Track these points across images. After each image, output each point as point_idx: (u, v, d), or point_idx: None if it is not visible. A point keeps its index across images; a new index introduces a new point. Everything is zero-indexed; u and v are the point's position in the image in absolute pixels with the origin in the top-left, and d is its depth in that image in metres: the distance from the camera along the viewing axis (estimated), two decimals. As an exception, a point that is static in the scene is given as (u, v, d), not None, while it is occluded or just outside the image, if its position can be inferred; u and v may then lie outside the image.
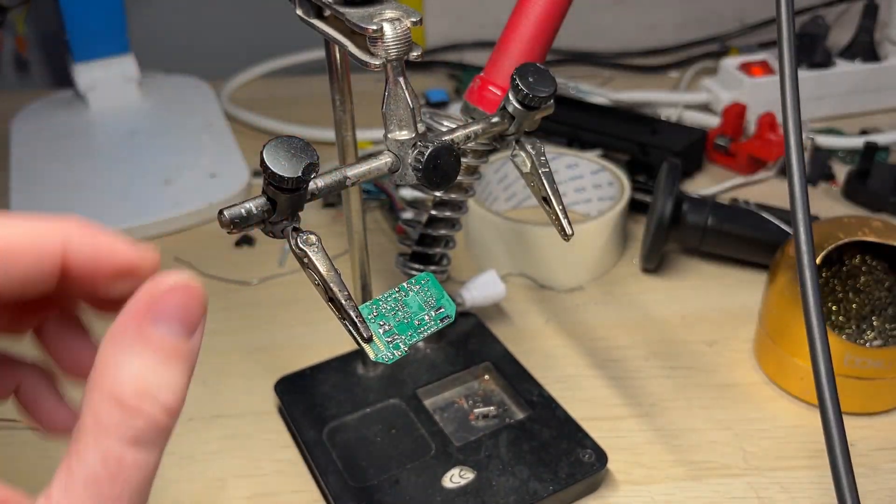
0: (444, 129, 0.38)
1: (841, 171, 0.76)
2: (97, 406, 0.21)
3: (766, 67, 0.84)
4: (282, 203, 0.31)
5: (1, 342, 0.27)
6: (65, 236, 0.23)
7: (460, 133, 0.37)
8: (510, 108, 0.38)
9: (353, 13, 0.34)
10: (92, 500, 0.21)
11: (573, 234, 0.39)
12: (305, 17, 0.37)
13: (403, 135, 0.35)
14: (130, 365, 0.22)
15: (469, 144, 0.40)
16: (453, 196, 0.50)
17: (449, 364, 0.53)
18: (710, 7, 0.99)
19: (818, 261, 0.51)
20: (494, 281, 0.56)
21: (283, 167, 0.29)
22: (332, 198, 0.71)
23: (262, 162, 0.29)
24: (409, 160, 0.35)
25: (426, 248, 0.52)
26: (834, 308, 0.53)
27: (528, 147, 0.39)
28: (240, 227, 0.30)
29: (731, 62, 0.85)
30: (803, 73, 0.83)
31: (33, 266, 0.23)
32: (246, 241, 0.69)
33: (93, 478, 0.21)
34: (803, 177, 0.36)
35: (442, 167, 0.35)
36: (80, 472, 0.21)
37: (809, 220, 0.36)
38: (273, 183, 0.30)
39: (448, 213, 0.50)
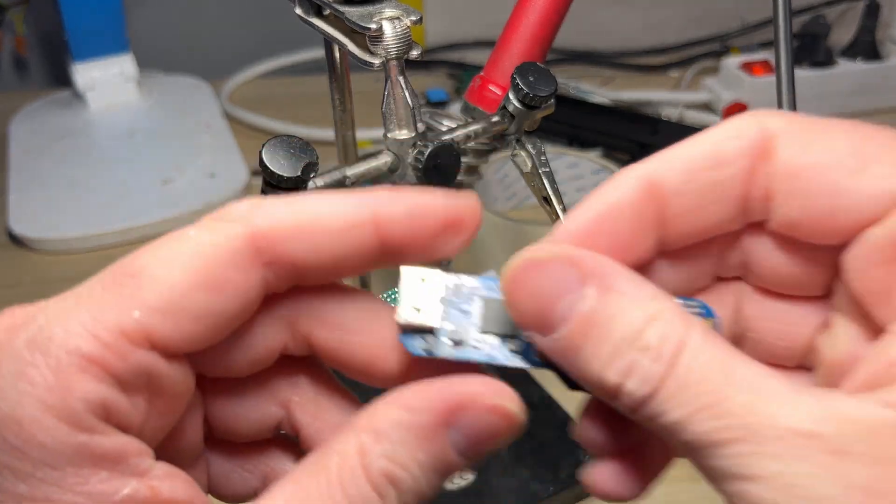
0: (444, 129, 0.37)
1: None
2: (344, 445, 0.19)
3: (767, 67, 0.84)
4: (281, 203, 0.30)
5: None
6: (374, 204, 0.20)
7: (460, 132, 0.37)
8: (510, 108, 0.38)
9: (352, 12, 0.33)
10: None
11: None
12: (305, 17, 0.37)
13: (403, 134, 0.35)
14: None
15: (469, 144, 0.40)
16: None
17: (449, 364, 0.53)
18: (711, 6, 0.99)
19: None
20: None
21: (283, 167, 0.29)
22: (332, 197, 0.71)
23: (262, 161, 0.29)
24: (409, 160, 0.35)
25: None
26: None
27: (529, 147, 0.39)
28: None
29: (732, 61, 0.85)
30: (804, 73, 0.82)
31: (344, 237, 0.20)
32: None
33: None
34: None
35: (442, 167, 0.34)
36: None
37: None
38: (272, 182, 0.29)
39: (448, 213, 0.50)
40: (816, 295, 0.22)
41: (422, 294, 0.21)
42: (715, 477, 0.18)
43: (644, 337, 0.18)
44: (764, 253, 0.22)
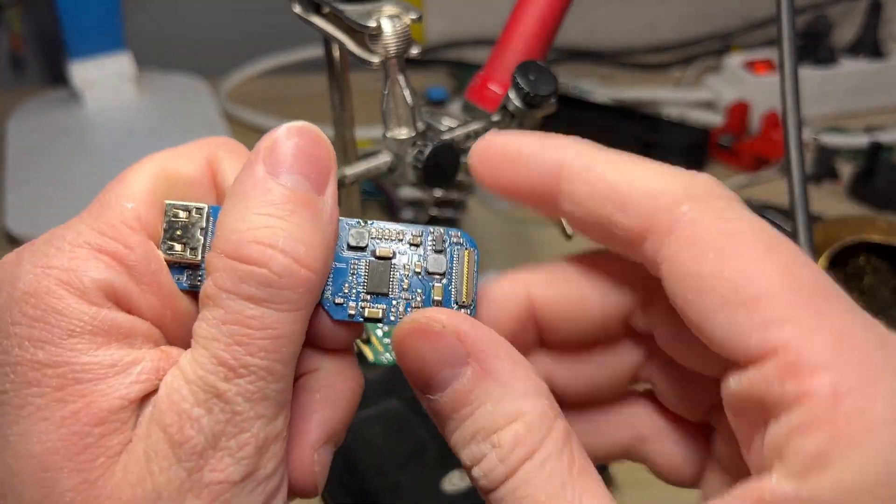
0: (444, 128, 0.37)
1: (845, 169, 0.76)
2: (212, 265, 0.20)
3: (769, 65, 0.83)
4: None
5: None
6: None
7: (460, 132, 0.37)
8: (511, 107, 0.38)
9: (351, 10, 0.33)
10: (212, 365, 0.19)
11: (574, 233, 0.38)
12: (304, 15, 0.36)
13: (403, 133, 0.34)
14: (245, 216, 0.20)
15: (469, 143, 0.40)
16: (453, 195, 0.49)
17: (449, 366, 0.52)
18: (713, 4, 0.98)
19: (823, 261, 0.50)
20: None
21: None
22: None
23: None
24: (409, 159, 0.34)
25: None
26: (839, 309, 0.52)
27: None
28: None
29: (734, 60, 0.85)
30: (807, 71, 0.82)
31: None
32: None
33: (212, 339, 0.19)
34: (802, 175, 0.35)
35: (441, 166, 0.34)
36: (204, 335, 0.20)
37: (809, 220, 0.35)
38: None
39: (448, 213, 0.50)
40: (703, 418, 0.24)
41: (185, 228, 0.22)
42: None
43: (500, 434, 0.19)
44: (656, 372, 0.24)
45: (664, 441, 0.24)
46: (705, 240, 0.19)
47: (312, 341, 0.22)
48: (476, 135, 0.37)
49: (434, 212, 0.50)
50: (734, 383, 0.19)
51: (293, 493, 0.22)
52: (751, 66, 0.83)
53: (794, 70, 0.35)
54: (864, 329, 0.18)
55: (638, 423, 0.25)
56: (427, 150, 0.34)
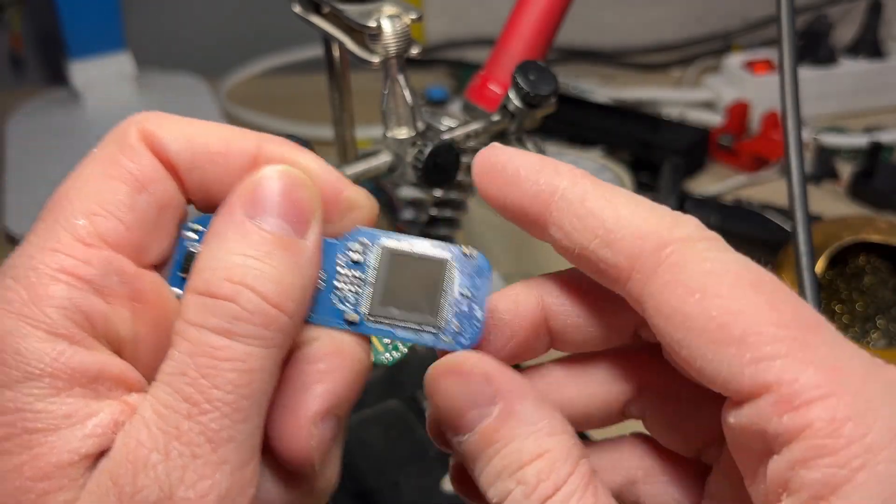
0: (444, 128, 0.37)
1: (845, 169, 0.76)
2: (183, 305, 0.19)
3: (769, 65, 0.83)
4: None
5: None
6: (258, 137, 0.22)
7: (460, 131, 0.37)
8: (511, 107, 0.38)
9: (351, 10, 0.33)
10: (175, 401, 0.18)
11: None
12: (303, 15, 0.36)
13: (403, 133, 0.34)
14: (221, 256, 0.19)
15: (469, 143, 0.40)
16: (453, 195, 0.49)
17: (449, 365, 0.52)
18: (713, 4, 0.98)
19: (823, 261, 0.50)
20: (495, 281, 0.56)
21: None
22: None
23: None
24: (409, 159, 0.34)
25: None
26: (838, 308, 0.52)
27: (529, 146, 0.39)
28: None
29: (734, 60, 0.85)
30: (807, 72, 0.82)
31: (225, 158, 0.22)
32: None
33: (177, 374, 0.18)
34: (802, 175, 0.35)
35: (441, 166, 0.34)
36: (168, 371, 0.19)
37: (809, 221, 0.35)
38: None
39: (448, 213, 0.50)
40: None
41: None
42: None
43: (525, 471, 0.19)
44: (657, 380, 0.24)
45: (656, 482, 0.24)
46: (691, 280, 0.19)
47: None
48: (476, 135, 0.37)
49: (434, 212, 0.50)
50: (733, 418, 0.19)
51: (286, 465, 0.21)
52: (751, 66, 0.83)
53: (794, 70, 0.35)
54: (851, 358, 0.19)
55: (629, 465, 0.25)
56: (427, 150, 0.34)
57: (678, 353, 0.19)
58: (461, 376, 0.21)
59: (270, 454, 0.21)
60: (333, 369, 0.21)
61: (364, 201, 0.23)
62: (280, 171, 0.21)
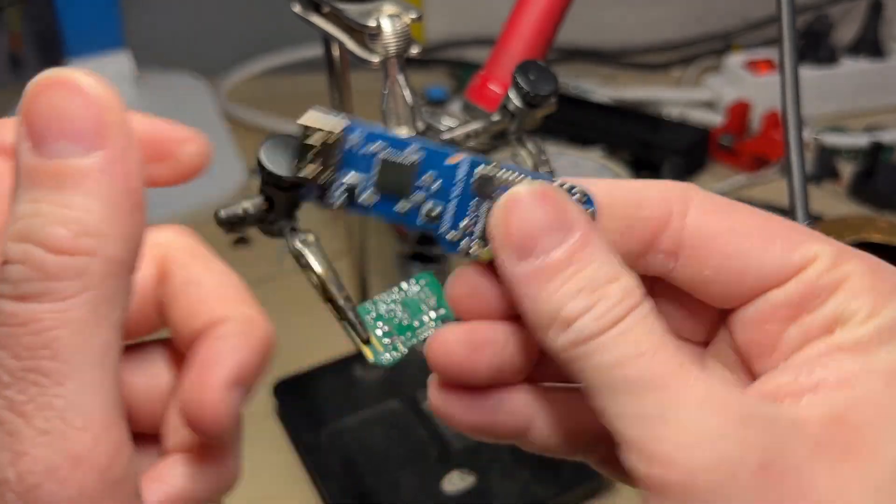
0: (444, 128, 0.37)
1: (845, 169, 0.76)
2: None
3: (770, 65, 0.83)
4: (279, 202, 0.30)
5: None
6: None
7: (460, 131, 0.37)
8: (511, 107, 0.38)
9: (351, 9, 0.33)
10: None
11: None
12: (303, 14, 0.36)
13: (403, 133, 0.34)
14: (15, 209, 0.17)
15: (469, 143, 0.40)
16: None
17: (449, 366, 0.52)
18: (713, 4, 0.98)
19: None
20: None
21: (281, 166, 0.29)
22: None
23: (259, 160, 0.29)
24: (409, 159, 0.34)
25: (426, 249, 0.51)
26: (839, 309, 0.52)
27: (530, 146, 0.39)
28: (237, 227, 0.30)
29: (734, 59, 0.85)
30: (808, 71, 0.82)
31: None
32: (242, 241, 0.68)
33: None
34: (802, 175, 0.35)
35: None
36: None
37: (809, 221, 0.35)
38: (270, 182, 0.29)
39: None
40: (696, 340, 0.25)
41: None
42: (602, 414, 0.20)
43: (609, 287, 0.21)
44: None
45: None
46: (719, 209, 0.22)
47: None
48: (476, 134, 0.37)
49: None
50: (777, 295, 0.22)
51: (200, 434, 0.21)
52: (751, 65, 0.83)
53: (794, 70, 0.35)
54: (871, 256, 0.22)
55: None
56: (427, 150, 0.34)
57: (730, 260, 0.22)
58: (544, 199, 0.21)
59: (180, 439, 0.22)
60: (243, 344, 0.21)
61: (190, 132, 0.22)
62: (46, 81, 0.18)
